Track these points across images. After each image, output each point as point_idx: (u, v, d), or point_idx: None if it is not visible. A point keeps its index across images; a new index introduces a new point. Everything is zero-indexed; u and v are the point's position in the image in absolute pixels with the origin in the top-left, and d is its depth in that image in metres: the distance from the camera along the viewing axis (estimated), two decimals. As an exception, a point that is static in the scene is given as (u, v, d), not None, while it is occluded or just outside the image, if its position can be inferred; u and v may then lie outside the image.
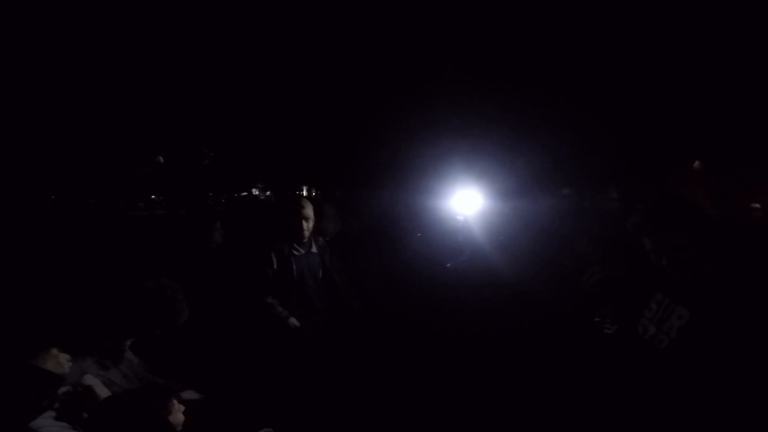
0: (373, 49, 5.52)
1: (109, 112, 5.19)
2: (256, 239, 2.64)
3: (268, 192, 14.71)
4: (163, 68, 5.35)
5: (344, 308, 2.50)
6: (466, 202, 2.97)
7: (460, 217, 3.14)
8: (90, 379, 1.10)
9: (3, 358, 0.95)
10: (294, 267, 2.34)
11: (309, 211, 2.40)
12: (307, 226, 2.38)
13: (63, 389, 1.02)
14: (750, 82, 4.48)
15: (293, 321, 2.26)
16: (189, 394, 1.39)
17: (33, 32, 4.46)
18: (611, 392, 1.46)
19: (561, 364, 1.91)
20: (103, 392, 1.12)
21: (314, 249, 2.45)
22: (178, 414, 1.17)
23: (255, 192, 14.47)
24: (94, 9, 4.65)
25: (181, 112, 5.75)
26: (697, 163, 4.93)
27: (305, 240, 2.41)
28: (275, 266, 2.31)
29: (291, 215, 2.38)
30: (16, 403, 0.92)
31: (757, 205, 4.29)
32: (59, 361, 1.02)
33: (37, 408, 0.94)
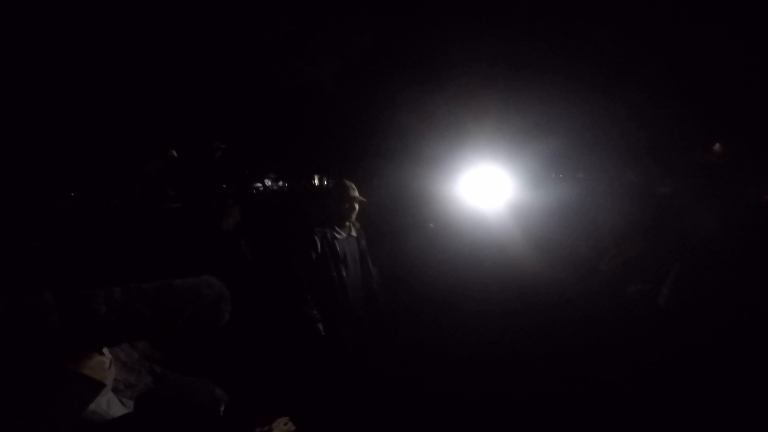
0: (381, 34, 5.42)
1: (119, 107, 5.23)
2: (297, 223, 2.64)
3: (281, 182, 14.76)
4: (172, 63, 5.35)
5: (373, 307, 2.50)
6: (483, 190, 2.93)
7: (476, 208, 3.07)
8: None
9: (45, 364, 0.94)
10: (338, 249, 2.35)
11: (356, 194, 2.42)
12: (355, 209, 2.42)
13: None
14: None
15: (320, 328, 2.25)
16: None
17: (45, 28, 4.49)
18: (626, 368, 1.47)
19: (576, 348, 1.90)
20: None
21: (354, 233, 2.48)
22: (222, 405, 1.17)
23: (267, 183, 14.54)
24: (105, 2, 4.65)
25: (192, 105, 5.77)
26: (717, 146, 4.77)
27: (348, 224, 2.44)
28: (319, 250, 2.31)
29: (341, 198, 2.40)
30: (58, 409, 0.91)
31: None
32: (102, 366, 1.01)
33: (79, 414, 0.94)
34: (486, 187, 2.95)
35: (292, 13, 5.44)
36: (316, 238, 2.30)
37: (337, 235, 2.37)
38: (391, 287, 2.91)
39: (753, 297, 1.18)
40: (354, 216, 2.42)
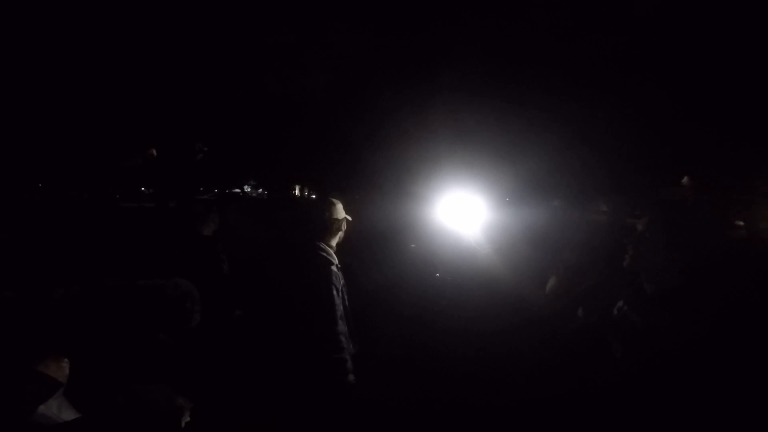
0: (373, 50, 5.54)
1: (103, 103, 5.12)
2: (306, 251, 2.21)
3: (260, 190, 14.61)
4: (160, 61, 5.30)
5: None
6: (460, 211, 3.00)
7: (451, 227, 3.11)
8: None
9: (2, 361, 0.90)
10: (342, 280, 2.08)
11: (344, 213, 2.21)
12: (343, 229, 2.20)
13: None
14: (741, 99, 4.58)
15: (352, 378, 1.98)
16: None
17: (26, 25, 4.40)
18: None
19: (546, 368, 1.94)
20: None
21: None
22: (185, 415, 1.13)
23: (247, 189, 14.36)
24: (90, 5, 4.60)
25: (177, 106, 5.71)
26: (685, 179, 5.03)
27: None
28: (341, 283, 2.02)
29: (340, 220, 2.16)
30: (9, 405, 0.88)
31: (741, 223, 4.40)
32: (60, 367, 0.98)
33: (32, 412, 0.90)
34: (463, 211, 3.01)
35: (289, 22, 5.51)
36: (336, 269, 2.03)
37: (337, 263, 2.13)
38: (369, 303, 2.89)
39: (724, 336, 1.19)
40: (342, 237, 2.20)
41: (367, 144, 6.28)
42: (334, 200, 2.24)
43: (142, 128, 5.18)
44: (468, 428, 2.08)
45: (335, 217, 2.15)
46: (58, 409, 0.98)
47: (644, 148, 5.10)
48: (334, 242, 2.15)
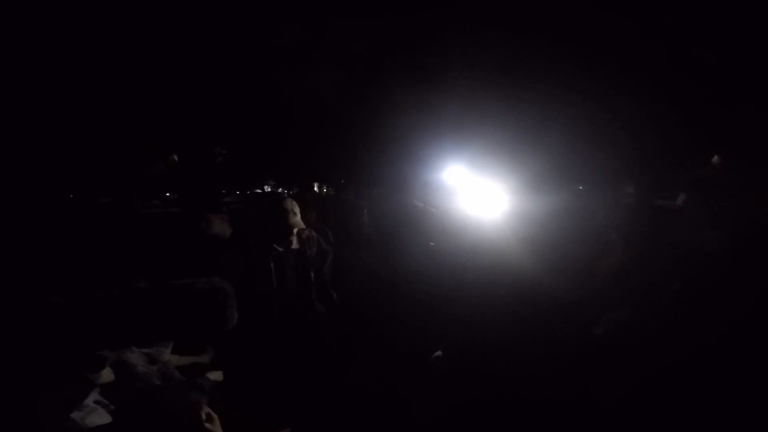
0: (383, 45, 5.49)
1: (123, 111, 5.26)
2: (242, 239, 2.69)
3: (280, 189, 14.78)
4: (176, 67, 5.40)
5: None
6: (479, 200, 2.93)
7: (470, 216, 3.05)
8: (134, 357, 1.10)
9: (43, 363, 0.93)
10: (272, 264, 2.40)
11: (297, 218, 2.49)
12: (289, 222, 2.46)
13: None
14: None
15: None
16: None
17: (47, 31, 4.54)
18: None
19: (569, 353, 1.88)
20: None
21: (295, 245, 2.46)
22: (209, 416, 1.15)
23: (267, 189, 14.55)
24: (108, 11, 4.71)
25: (195, 111, 5.81)
26: (715, 158, 4.78)
27: (286, 237, 2.48)
28: (258, 264, 2.40)
29: (271, 213, 2.47)
30: (50, 409, 0.90)
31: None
32: (95, 367, 1.00)
33: (65, 415, 0.93)
34: (483, 198, 2.95)
35: (298, 21, 5.51)
36: (254, 252, 2.42)
37: (273, 249, 2.45)
38: (387, 294, 2.91)
39: (756, 312, 1.16)
40: (293, 235, 2.49)
41: (383, 137, 6.25)
42: (290, 201, 2.59)
43: (163, 135, 5.31)
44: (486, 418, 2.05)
45: (287, 214, 2.47)
46: (85, 415, 1.00)
47: (671, 128, 4.88)
48: (290, 232, 2.50)
